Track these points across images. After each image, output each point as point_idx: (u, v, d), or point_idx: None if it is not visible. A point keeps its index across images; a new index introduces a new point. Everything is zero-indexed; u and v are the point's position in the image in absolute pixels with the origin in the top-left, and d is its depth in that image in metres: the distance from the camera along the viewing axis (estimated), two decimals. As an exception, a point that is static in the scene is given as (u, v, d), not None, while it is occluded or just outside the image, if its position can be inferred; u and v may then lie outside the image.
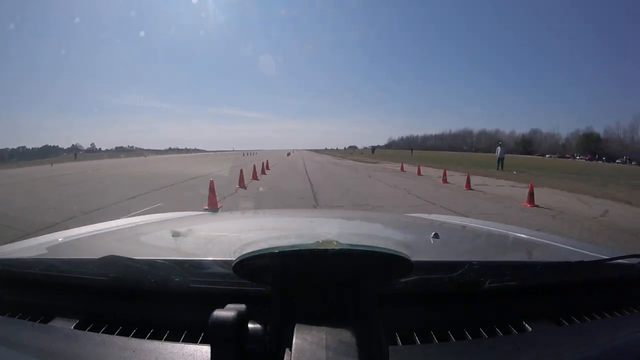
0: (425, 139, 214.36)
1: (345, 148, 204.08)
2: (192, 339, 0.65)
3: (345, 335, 0.44)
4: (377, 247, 0.49)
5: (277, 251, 0.49)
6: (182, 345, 0.63)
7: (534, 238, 1.35)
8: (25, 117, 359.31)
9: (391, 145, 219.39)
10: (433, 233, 1.18)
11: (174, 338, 0.65)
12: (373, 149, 78.41)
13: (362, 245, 0.48)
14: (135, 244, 1.27)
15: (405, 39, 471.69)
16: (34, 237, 1.29)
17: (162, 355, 0.60)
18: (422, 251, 1.09)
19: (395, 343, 0.65)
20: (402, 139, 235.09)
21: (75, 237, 1.26)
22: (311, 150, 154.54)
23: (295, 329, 0.46)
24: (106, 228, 1.45)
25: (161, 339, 0.65)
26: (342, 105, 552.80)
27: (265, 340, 0.49)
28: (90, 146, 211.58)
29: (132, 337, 0.66)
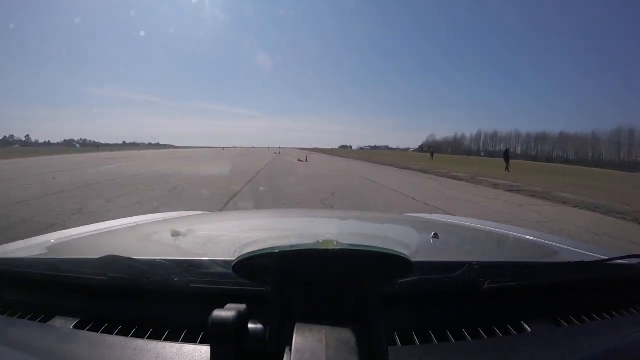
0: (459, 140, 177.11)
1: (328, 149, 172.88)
2: (191, 339, 0.65)
3: (345, 335, 0.44)
4: (377, 247, 0.49)
5: (277, 251, 0.49)
6: (182, 345, 0.63)
7: (533, 238, 1.34)
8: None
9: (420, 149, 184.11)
10: (433, 233, 1.17)
11: (173, 338, 0.65)
12: (432, 152, 54.96)
13: (362, 245, 0.48)
14: (135, 244, 1.28)
15: (397, 38, 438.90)
16: (34, 237, 1.27)
17: (161, 355, 0.60)
18: (422, 251, 1.11)
19: (395, 343, 0.65)
20: (445, 139, 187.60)
21: (75, 237, 1.26)
22: (304, 149, 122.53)
23: (295, 329, 0.46)
24: (106, 228, 1.44)
25: (161, 339, 0.65)
26: (330, 104, 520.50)
27: (265, 340, 0.49)
28: (25, 138, 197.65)
29: (131, 336, 0.66)
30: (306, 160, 27.61)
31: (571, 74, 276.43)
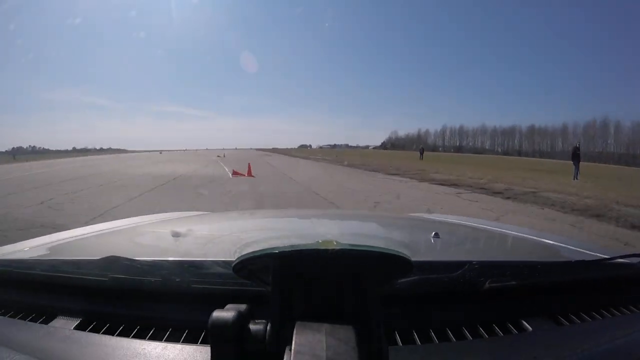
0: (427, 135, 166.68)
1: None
2: (192, 340, 0.65)
3: (345, 335, 0.44)
4: (377, 247, 0.49)
5: (277, 251, 0.49)
6: (183, 345, 0.63)
7: (534, 237, 1.34)
8: None
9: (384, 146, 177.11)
10: (433, 233, 1.17)
11: (174, 338, 0.65)
12: (422, 150, 45.15)
13: (362, 245, 0.48)
14: (135, 244, 1.29)
15: (351, 37, 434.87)
16: (35, 237, 1.27)
17: (162, 356, 0.60)
18: (422, 251, 1.10)
19: (395, 343, 0.65)
20: (408, 136, 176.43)
21: (76, 238, 1.27)
22: (260, 150, 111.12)
23: (295, 329, 0.46)
24: (107, 228, 1.45)
25: (162, 340, 0.65)
26: (288, 104, 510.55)
27: (265, 340, 0.49)
28: None
29: (132, 337, 0.67)
30: (249, 174, 14.44)
31: (540, 64, 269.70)
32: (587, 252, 1.08)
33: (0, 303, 0.81)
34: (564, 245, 1.20)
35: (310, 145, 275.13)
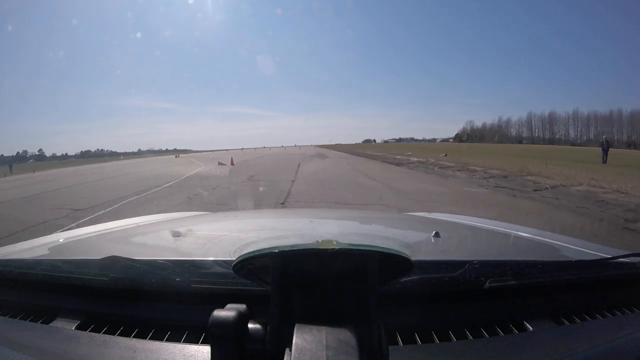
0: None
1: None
2: (193, 339, 0.65)
3: (345, 335, 0.44)
4: (377, 247, 0.49)
5: (277, 251, 0.49)
6: (183, 345, 0.63)
7: (535, 237, 1.33)
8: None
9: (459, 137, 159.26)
10: (434, 232, 1.16)
11: (175, 338, 0.65)
12: (606, 147, 20.75)
13: (362, 245, 0.48)
14: (136, 245, 1.28)
15: (412, 29, 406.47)
16: (36, 238, 1.27)
17: (163, 356, 0.60)
18: (422, 250, 1.10)
19: (396, 343, 0.65)
20: (485, 126, 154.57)
21: (77, 238, 1.27)
22: (320, 146, 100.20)
23: (295, 329, 0.46)
24: (107, 229, 1.44)
25: (162, 340, 0.65)
26: (350, 98, 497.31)
27: (265, 340, 0.49)
28: (38, 152, 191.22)
29: (133, 337, 0.67)
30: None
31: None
32: (588, 251, 1.06)
33: (1, 303, 0.80)
34: (564, 244, 1.18)
35: (374, 140, 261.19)
